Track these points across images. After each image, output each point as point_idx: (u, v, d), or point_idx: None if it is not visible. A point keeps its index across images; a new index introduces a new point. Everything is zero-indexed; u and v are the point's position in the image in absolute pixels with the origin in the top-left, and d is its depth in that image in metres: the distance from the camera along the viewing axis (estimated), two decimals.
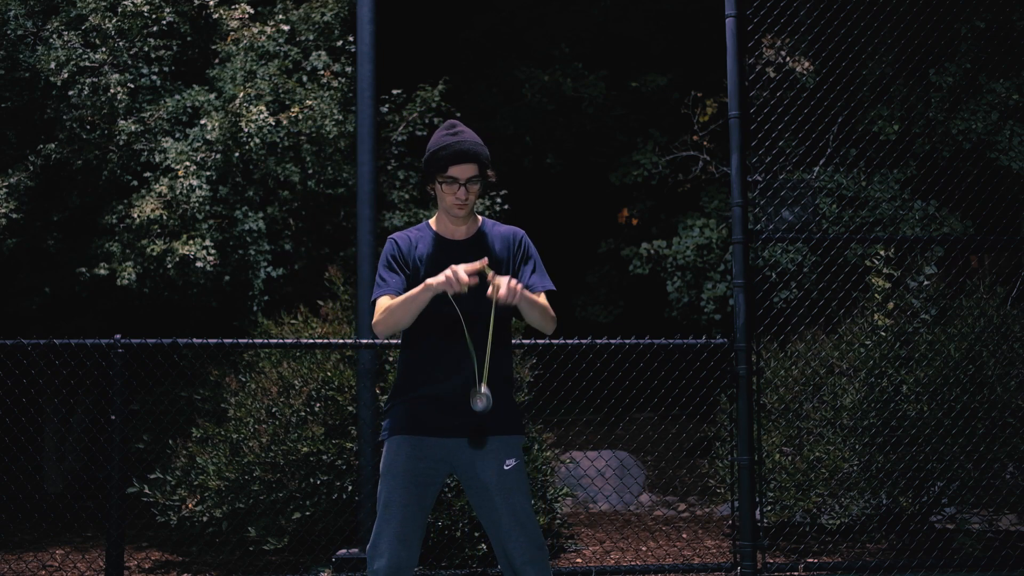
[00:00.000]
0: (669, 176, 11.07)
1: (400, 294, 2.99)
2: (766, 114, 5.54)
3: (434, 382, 3.03)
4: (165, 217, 6.64)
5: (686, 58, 12.23)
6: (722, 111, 10.55)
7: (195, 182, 6.62)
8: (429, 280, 2.88)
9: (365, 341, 5.40)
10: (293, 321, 6.39)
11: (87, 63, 6.72)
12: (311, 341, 5.46)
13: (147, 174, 6.90)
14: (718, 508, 7.67)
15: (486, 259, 2.94)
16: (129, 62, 6.96)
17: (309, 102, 7.25)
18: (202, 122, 6.87)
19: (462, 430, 3.02)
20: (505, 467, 3.02)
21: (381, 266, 3.08)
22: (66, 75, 6.63)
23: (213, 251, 6.63)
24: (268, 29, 7.36)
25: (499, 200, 8.93)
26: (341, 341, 5.60)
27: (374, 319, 3.02)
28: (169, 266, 6.59)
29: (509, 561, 3.02)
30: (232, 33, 7.40)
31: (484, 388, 2.93)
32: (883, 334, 6.09)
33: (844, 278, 6.05)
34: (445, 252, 3.06)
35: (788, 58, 8.31)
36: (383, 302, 3.00)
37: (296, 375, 5.86)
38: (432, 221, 3.16)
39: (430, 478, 3.04)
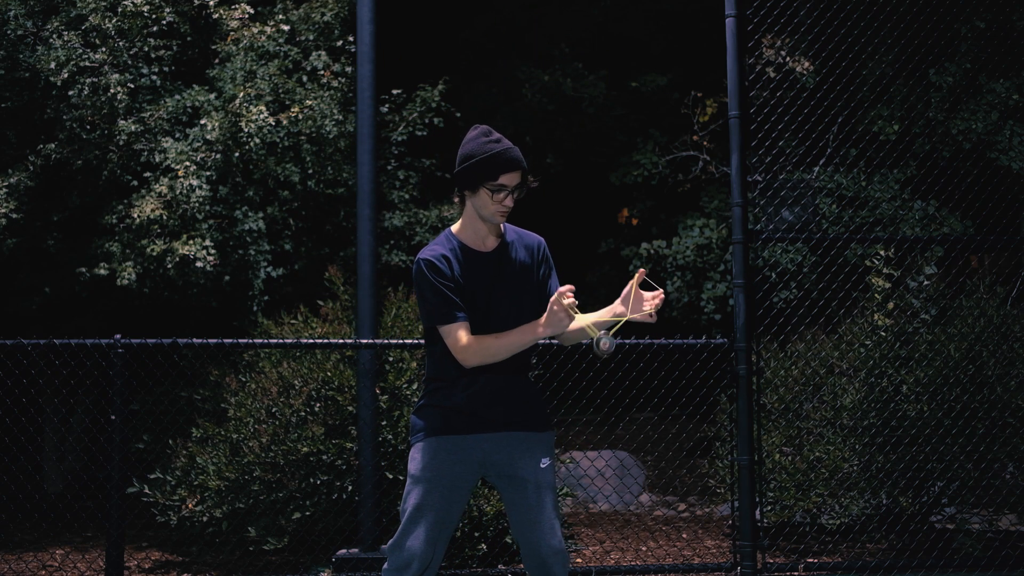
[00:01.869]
0: (669, 176, 11.07)
1: (465, 318, 2.94)
2: (766, 114, 5.54)
3: (471, 382, 3.02)
4: (165, 217, 6.64)
5: (686, 58, 12.23)
6: (722, 111, 10.55)
7: (195, 182, 6.62)
8: (542, 328, 2.87)
9: (365, 341, 5.40)
10: (293, 321, 6.39)
11: (87, 63, 6.72)
12: (311, 341, 5.46)
13: (147, 174, 6.90)
14: (718, 508, 7.67)
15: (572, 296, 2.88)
16: (129, 62, 6.96)
17: (309, 102, 7.25)
18: (202, 122, 6.87)
19: (498, 424, 3.03)
20: (542, 465, 3.04)
21: (434, 289, 2.95)
22: (66, 75, 6.63)
23: (213, 251, 6.63)
24: (268, 29, 7.36)
25: None
26: (341, 341, 5.60)
27: (462, 349, 2.92)
28: (169, 266, 6.59)
29: (540, 559, 3.01)
30: (232, 33, 7.40)
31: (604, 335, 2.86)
32: (883, 334, 6.09)
33: (844, 278, 6.05)
34: (477, 267, 3.03)
35: (788, 58, 8.31)
36: (461, 334, 2.92)
37: (296, 375, 5.86)
38: (456, 230, 3.08)
39: (465, 482, 3.03)
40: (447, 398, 3.03)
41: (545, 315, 2.88)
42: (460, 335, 2.93)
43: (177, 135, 7.08)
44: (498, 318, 3.01)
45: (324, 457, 5.59)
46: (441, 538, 2.99)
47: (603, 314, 3.02)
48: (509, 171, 2.95)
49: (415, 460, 3.03)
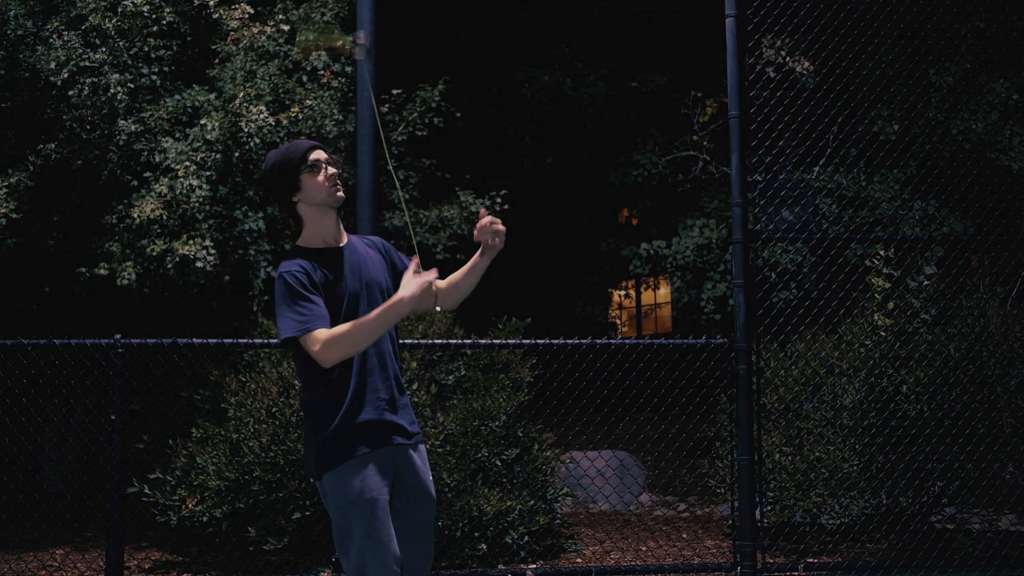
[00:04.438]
0: (669, 176, 11.07)
1: (327, 322, 2.87)
2: (766, 114, 5.54)
3: (367, 396, 2.97)
4: (165, 217, 6.63)
5: (686, 58, 12.24)
6: (722, 111, 10.55)
7: (195, 182, 6.62)
8: (403, 295, 2.83)
9: None
10: None
11: (87, 63, 6.72)
12: None
13: (147, 174, 6.90)
14: (718, 508, 7.67)
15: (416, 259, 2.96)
16: (129, 62, 6.96)
17: (309, 102, 7.25)
18: (202, 122, 6.87)
19: (400, 436, 3.01)
20: (430, 478, 3.12)
21: (293, 296, 2.88)
22: (66, 75, 6.63)
23: (213, 251, 6.63)
24: (268, 29, 7.36)
25: (499, 200, 8.92)
26: None
27: (321, 349, 2.83)
28: (169, 266, 6.58)
29: (420, 569, 3.08)
30: (232, 33, 7.40)
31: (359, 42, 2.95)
32: (883, 334, 6.09)
33: (844, 278, 6.05)
34: (337, 261, 3.01)
35: (788, 58, 8.31)
36: (320, 334, 2.83)
37: (296, 375, 5.86)
38: (301, 242, 3.05)
39: (387, 494, 2.99)
40: (356, 416, 2.94)
41: (402, 287, 2.85)
42: (318, 336, 2.84)
43: (177, 135, 7.08)
44: (369, 305, 2.99)
45: None
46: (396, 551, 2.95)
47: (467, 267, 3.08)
48: (312, 150, 3.02)
49: (345, 487, 2.90)
